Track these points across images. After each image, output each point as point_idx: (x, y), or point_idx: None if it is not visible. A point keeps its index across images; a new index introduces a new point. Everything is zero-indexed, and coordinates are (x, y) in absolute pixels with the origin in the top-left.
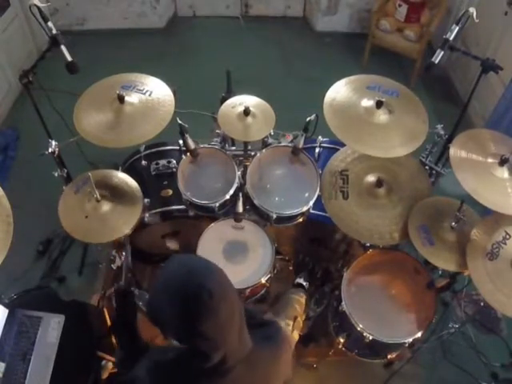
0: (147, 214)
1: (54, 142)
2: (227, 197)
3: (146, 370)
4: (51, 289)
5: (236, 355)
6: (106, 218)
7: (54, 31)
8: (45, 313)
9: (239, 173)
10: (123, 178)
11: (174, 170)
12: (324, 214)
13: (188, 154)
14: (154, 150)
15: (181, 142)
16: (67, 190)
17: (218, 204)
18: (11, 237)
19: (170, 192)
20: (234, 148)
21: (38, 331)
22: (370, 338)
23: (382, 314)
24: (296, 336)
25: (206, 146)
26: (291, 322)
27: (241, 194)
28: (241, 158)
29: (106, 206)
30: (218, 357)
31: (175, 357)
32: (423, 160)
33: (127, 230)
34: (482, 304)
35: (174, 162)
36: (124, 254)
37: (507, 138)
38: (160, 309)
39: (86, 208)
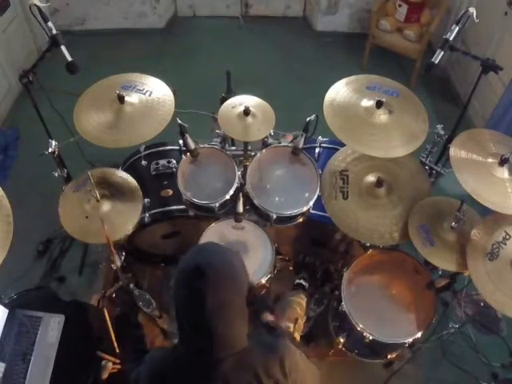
0: (147, 214)
1: (53, 142)
2: (227, 197)
3: (143, 365)
4: (51, 289)
5: (225, 348)
6: (106, 218)
7: (54, 31)
8: (45, 313)
9: (239, 173)
10: (123, 177)
11: (174, 170)
12: (324, 213)
13: (188, 153)
14: (153, 150)
15: (181, 141)
16: (67, 190)
17: (218, 204)
18: (11, 237)
19: (170, 192)
20: (234, 148)
21: (38, 331)
22: (370, 338)
23: (381, 314)
24: (297, 338)
25: (206, 145)
26: (292, 325)
27: (241, 194)
28: (241, 158)
29: (105, 206)
30: (200, 343)
31: (169, 348)
32: (423, 160)
33: (127, 229)
34: (481, 304)
35: (174, 161)
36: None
37: (507, 138)
38: (174, 289)
39: (85, 208)
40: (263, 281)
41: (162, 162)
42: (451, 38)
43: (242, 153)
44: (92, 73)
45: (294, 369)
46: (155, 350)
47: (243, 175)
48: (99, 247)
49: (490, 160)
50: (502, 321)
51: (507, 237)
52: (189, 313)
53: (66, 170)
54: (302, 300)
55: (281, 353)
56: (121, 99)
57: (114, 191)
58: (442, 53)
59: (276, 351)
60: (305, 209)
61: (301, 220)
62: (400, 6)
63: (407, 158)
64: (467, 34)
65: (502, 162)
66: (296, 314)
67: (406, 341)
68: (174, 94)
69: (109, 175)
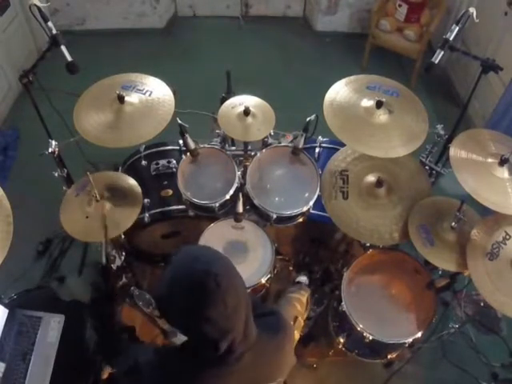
0: (147, 214)
1: (53, 142)
2: (227, 197)
3: (153, 355)
4: (51, 289)
5: (243, 344)
6: (107, 218)
7: (54, 31)
8: (45, 313)
9: (239, 173)
10: (123, 178)
11: (174, 169)
12: (324, 213)
13: (188, 153)
14: (153, 150)
15: (181, 141)
16: (69, 196)
17: (217, 204)
18: (11, 237)
19: (170, 192)
20: (234, 148)
21: (38, 331)
22: (370, 338)
23: (382, 314)
24: (297, 336)
25: (206, 145)
26: (292, 322)
27: (241, 194)
28: (241, 158)
29: (106, 206)
30: (225, 345)
31: (181, 346)
32: (423, 160)
33: (126, 228)
34: (481, 304)
35: (174, 162)
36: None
37: (507, 138)
38: (168, 297)
39: (86, 209)
40: (263, 281)
41: (162, 162)
42: (451, 38)
43: (242, 153)
44: (92, 73)
45: (292, 341)
46: (155, 357)
47: (243, 175)
48: (99, 247)
49: (489, 160)
50: (502, 321)
51: (507, 237)
52: (209, 321)
53: (66, 170)
54: (302, 296)
55: (283, 330)
56: (121, 99)
57: (114, 192)
58: (442, 53)
59: (279, 330)
60: (305, 209)
61: (301, 220)
62: (400, 5)
63: (407, 158)
64: (467, 33)
65: (502, 162)
66: (295, 312)
67: (406, 341)
68: (174, 94)
69: (109, 177)
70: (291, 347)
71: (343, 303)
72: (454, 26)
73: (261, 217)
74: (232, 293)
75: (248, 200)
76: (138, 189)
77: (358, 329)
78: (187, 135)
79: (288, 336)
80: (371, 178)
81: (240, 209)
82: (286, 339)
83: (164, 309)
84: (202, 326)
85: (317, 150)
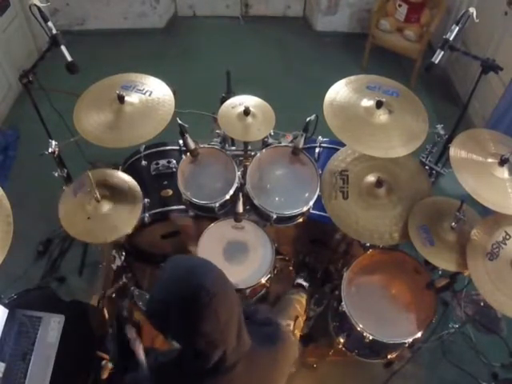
0: (147, 214)
1: (54, 142)
2: (227, 197)
3: (148, 371)
4: (51, 289)
5: (235, 353)
6: (107, 218)
7: (54, 31)
8: (45, 313)
9: (239, 173)
10: (123, 177)
11: (174, 169)
12: (324, 214)
13: (188, 153)
14: (153, 150)
15: (181, 141)
16: (66, 196)
17: (217, 204)
18: (11, 237)
19: (170, 192)
20: (233, 148)
21: (38, 331)
22: (370, 338)
23: (382, 314)
24: (297, 335)
25: (206, 146)
26: (292, 322)
27: (241, 194)
28: (241, 158)
29: (106, 206)
30: (217, 355)
31: (176, 357)
32: (423, 160)
33: (127, 230)
34: (481, 304)
35: (174, 162)
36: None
37: (507, 138)
38: (159, 309)
39: (86, 209)
40: (263, 280)
41: (162, 162)
42: (451, 38)
43: (242, 153)
44: (92, 73)
45: (291, 354)
46: (156, 359)
47: (243, 175)
48: (99, 247)
49: (489, 160)
50: (502, 321)
51: (507, 237)
52: (201, 334)
53: (66, 170)
54: (301, 298)
55: (281, 340)
56: (121, 99)
57: (114, 192)
58: (442, 53)
59: (275, 341)
60: (305, 209)
61: (301, 220)
62: (400, 5)
63: (407, 158)
64: (467, 34)
65: (502, 161)
66: (296, 312)
67: (406, 341)
68: (174, 94)
69: (109, 176)
70: (289, 359)
71: (343, 303)
72: (454, 25)
73: (261, 217)
74: (225, 306)
75: (248, 200)
76: (138, 189)
77: (358, 329)
78: (187, 135)
79: (286, 348)
80: (371, 178)
81: (240, 209)
82: (283, 351)
83: (157, 323)
84: (195, 339)
85: (317, 150)
